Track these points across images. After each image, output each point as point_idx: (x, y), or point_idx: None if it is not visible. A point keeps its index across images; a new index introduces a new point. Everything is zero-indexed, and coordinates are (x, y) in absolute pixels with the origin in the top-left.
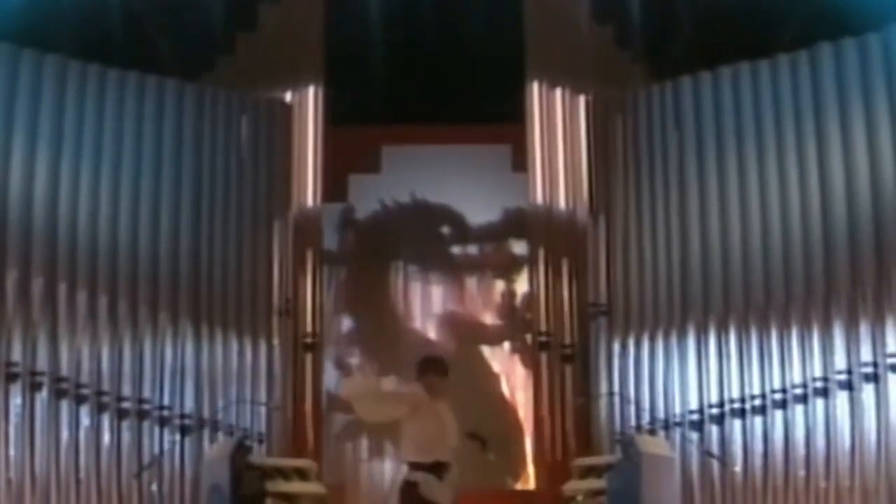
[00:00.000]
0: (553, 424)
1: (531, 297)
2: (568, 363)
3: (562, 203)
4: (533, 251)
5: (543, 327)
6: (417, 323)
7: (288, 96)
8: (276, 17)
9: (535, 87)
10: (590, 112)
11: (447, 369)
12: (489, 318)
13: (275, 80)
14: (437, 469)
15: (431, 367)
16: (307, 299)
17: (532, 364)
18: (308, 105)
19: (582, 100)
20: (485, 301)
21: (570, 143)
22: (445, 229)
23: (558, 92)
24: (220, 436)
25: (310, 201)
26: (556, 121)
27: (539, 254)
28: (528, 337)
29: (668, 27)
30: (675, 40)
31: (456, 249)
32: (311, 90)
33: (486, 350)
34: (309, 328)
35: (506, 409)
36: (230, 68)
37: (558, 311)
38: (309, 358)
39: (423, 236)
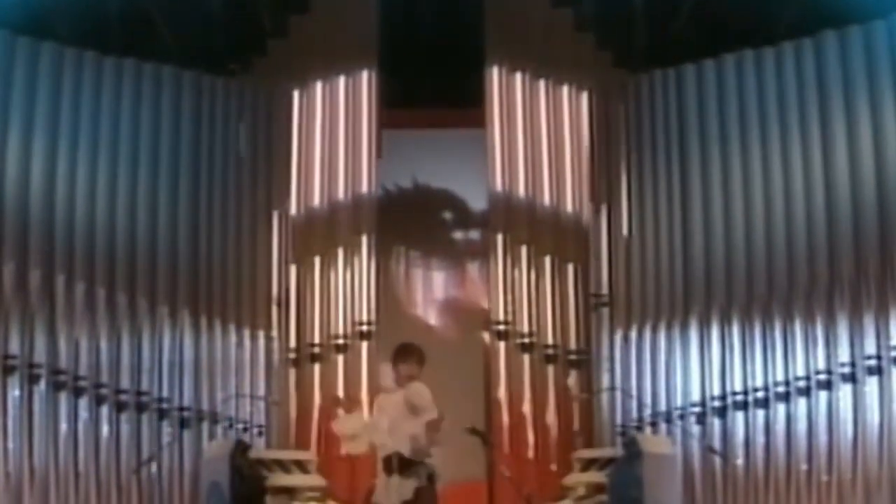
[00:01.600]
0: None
1: (488, 285)
2: (527, 352)
3: (521, 189)
4: (493, 238)
5: (501, 316)
6: (419, 309)
7: (341, 80)
8: (328, 2)
9: (495, 71)
10: (591, 100)
11: (424, 358)
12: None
13: (327, 64)
14: (387, 465)
15: (409, 355)
16: (363, 286)
17: (488, 354)
18: (362, 89)
19: (542, 84)
20: (486, 287)
21: (529, 128)
22: (447, 214)
23: (518, 77)
24: (220, 429)
25: (364, 186)
26: (517, 106)
27: (497, 240)
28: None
29: (655, 14)
30: (654, 28)
31: (458, 235)
32: (364, 74)
33: (488, 336)
34: (365, 316)
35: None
36: (283, 53)
37: (518, 301)
38: (365, 346)
39: (425, 221)
